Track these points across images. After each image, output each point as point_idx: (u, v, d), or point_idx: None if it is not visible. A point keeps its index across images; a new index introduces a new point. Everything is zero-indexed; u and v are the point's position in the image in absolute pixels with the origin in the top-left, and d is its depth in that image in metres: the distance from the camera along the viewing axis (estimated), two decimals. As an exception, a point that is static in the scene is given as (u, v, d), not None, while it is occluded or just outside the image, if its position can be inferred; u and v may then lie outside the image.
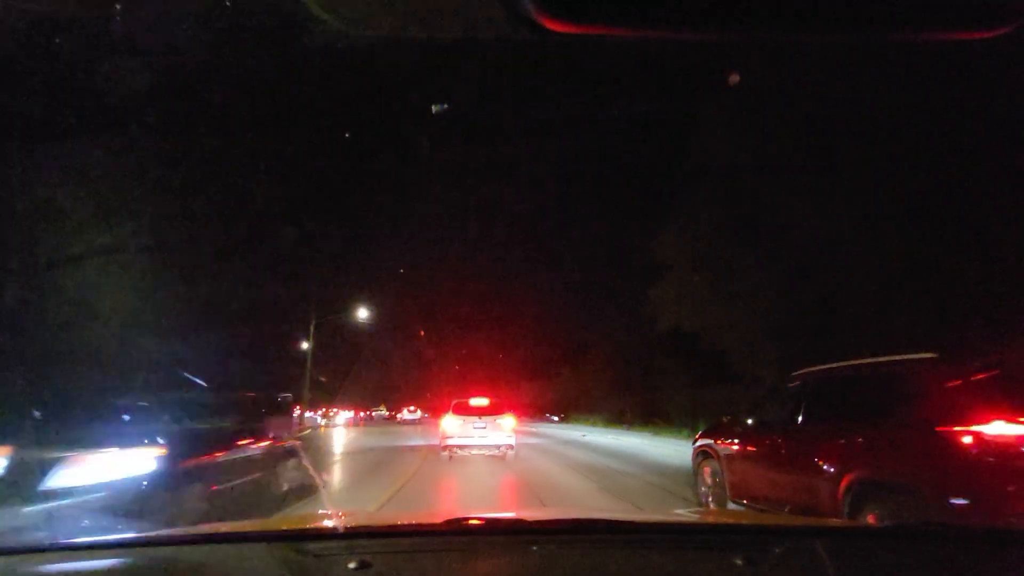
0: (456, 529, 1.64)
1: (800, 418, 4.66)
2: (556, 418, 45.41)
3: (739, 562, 1.32)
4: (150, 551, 1.51)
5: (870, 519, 3.64)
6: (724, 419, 6.23)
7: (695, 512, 2.55)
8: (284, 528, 1.77)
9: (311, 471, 7.59)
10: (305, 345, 33.46)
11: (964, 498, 3.07)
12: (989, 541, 1.62)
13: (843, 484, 3.89)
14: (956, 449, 3.14)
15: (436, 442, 12.22)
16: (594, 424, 33.74)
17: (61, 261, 13.64)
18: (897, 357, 3.98)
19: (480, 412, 11.40)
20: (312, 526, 1.87)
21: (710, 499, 6.04)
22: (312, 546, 1.44)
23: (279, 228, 24.65)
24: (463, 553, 1.47)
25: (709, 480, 6.12)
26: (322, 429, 29.52)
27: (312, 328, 26.56)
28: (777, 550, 1.45)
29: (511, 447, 11.19)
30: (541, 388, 50.03)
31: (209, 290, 19.19)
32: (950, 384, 3.43)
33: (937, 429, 3.28)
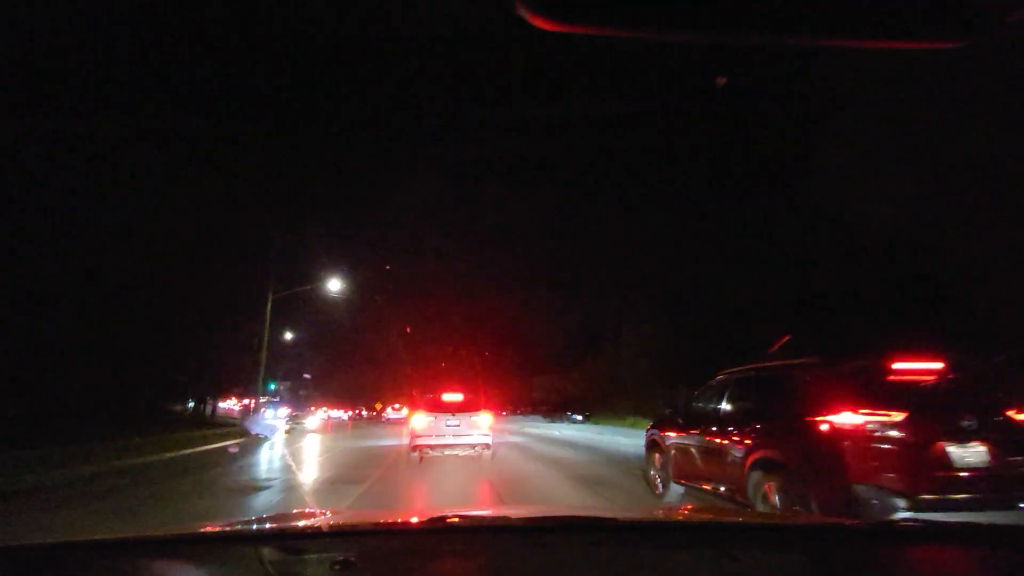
0: (439, 528, 1.65)
1: (722, 410, 5.59)
2: (579, 417, 39.25)
3: (723, 559, 1.35)
4: (133, 552, 1.51)
5: (766, 488, 4.55)
6: (667, 412, 7.17)
7: (680, 510, 2.79)
8: (267, 528, 1.75)
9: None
10: (288, 336, 30.83)
11: (821, 472, 4.00)
12: (965, 537, 1.66)
13: (748, 463, 4.81)
14: (816, 434, 4.07)
15: (409, 443, 10.81)
16: (634, 426, 26.52)
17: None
18: (789, 361, 4.92)
19: (454, 408, 10.60)
20: (295, 525, 1.86)
21: (659, 482, 6.97)
22: (295, 546, 1.44)
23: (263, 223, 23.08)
24: (446, 552, 1.48)
25: (659, 465, 7.05)
26: (287, 433, 23.99)
27: (269, 303, 22.00)
28: (760, 547, 1.48)
29: (487, 446, 10.42)
30: (558, 383, 43.84)
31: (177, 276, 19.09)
32: (820, 383, 4.36)
33: (806, 418, 4.22)
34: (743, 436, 5.02)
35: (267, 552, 1.39)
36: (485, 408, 10.77)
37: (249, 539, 1.56)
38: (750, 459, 4.78)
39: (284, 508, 7.07)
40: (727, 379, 5.76)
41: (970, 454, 3.72)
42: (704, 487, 5.69)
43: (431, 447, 10.27)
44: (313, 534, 1.64)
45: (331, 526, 1.75)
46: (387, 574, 1.37)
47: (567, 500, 7.04)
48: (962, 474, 3.69)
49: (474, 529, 1.67)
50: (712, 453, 5.58)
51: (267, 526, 1.83)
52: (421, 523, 1.76)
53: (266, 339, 22.30)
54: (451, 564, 1.42)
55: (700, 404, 6.20)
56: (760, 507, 4.57)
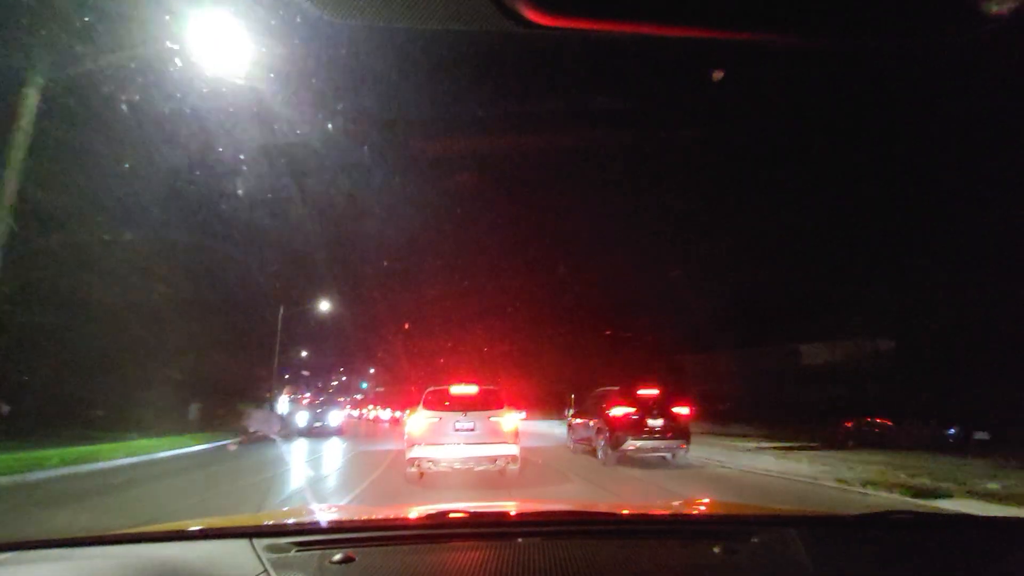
0: (440, 523, 1.69)
1: (591, 407, 12.49)
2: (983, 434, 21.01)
3: (719, 551, 1.42)
4: (133, 547, 1.53)
5: (600, 441, 11.38)
6: (574, 409, 14.11)
7: (676, 503, 2.87)
8: (267, 523, 1.75)
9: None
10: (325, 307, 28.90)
11: (611, 431, 10.84)
12: (958, 527, 1.75)
13: (595, 430, 11.69)
14: (610, 417, 10.95)
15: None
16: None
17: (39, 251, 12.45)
18: (610, 387, 11.85)
19: (465, 405, 8.22)
20: (295, 520, 1.89)
21: (572, 446, 13.80)
22: (295, 540, 1.47)
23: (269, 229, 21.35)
24: (447, 547, 1.51)
25: (569, 437, 13.94)
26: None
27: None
28: (755, 539, 1.54)
29: (514, 459, 7.99)
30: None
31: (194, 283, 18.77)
32: (615, 396, 11.27)
33: (609, 410, 11.10)
34: (595, 418, 11.88)
35: (265, 548, 1.40)
36: (507, 406, 8.50)
37: (247, 534, 1.51)
38: (595, 428, 11.67)
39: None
40: (595, 393, 12.70)
41: (657, 423, 10.63)
42: (583, 444, 12.55)
43: (433, 460, 7.80)
44: (313, 529, 1.64)
45: (330, 521, 1.75)
46: (388, 569, 1.38)
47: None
48: (654, 428, 10.59)
49: (475, 524, 1.68)
50: (586, 427, 12.45)
51: (265, 522, 1.78)
52: (421, 518, 1.76)
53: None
54: (452, 559, 1.43)
55: (586, 403, 13.10)
56: (599, 452, 11.32)
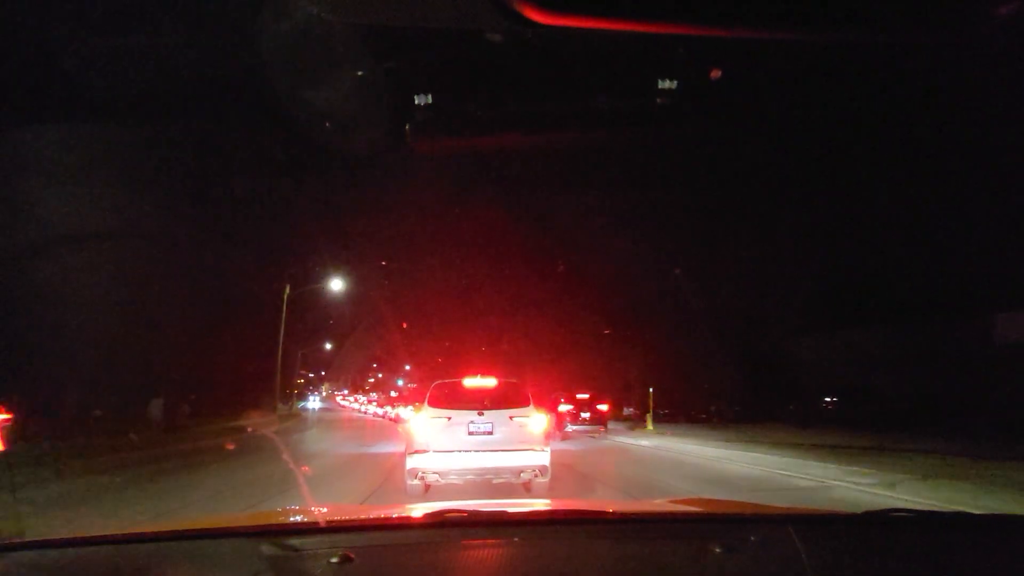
0: (438, 522, 1.67)
1: (549, 403, 19.05)
2: None
3: (717, 550, 1.40)
4: (130, 547, 1.53)
5: (551, 424, 17.95)
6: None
7: (674, 502, 2.71)
8: (264, 523, 1.75)
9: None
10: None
11: (558, 418, 17.34)
12: (958, 526, 1.74)
13: (555, 417, 18.26)
14: (556, 411, 17.47)
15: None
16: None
17: (34, 248, 12.64)
18: (560, 392, 18.42)
19: (482, 403, 6.56)
20: (293, 520, 1.89)
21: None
22: (293, 541, 1.46)
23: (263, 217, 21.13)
24: (446, 546, 1.52)
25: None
26: None
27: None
28: (754, 538, 1.52)
29: (543, 469, 6.36)
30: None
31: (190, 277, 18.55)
32: (563, 396, 17.83)
33: (556, 405, 17.64)
34: (549, 412, 18.39)
35: (264, 547, 1.40)
36: (533, 403, 6.77)
37: (245, 534, 1.54)
38: (554, 416, 18.22)
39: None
40: (552, 395, 19.26)
41: (588, 415, 17.19)
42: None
43: (440, 471, 6.25)
44: (311, 529, 1.63)
45: (329, 521, 1.74)
46: (386, 569, 1.40)
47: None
48: (585, 418, 17.15)
49: (473, 523, 1.66)
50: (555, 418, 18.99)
51: (263, 522, 1.79)
52: (420, 517, 1.75)
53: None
54: (450, 558, 1.45)
55: (545, 401, 19.65)
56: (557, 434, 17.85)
